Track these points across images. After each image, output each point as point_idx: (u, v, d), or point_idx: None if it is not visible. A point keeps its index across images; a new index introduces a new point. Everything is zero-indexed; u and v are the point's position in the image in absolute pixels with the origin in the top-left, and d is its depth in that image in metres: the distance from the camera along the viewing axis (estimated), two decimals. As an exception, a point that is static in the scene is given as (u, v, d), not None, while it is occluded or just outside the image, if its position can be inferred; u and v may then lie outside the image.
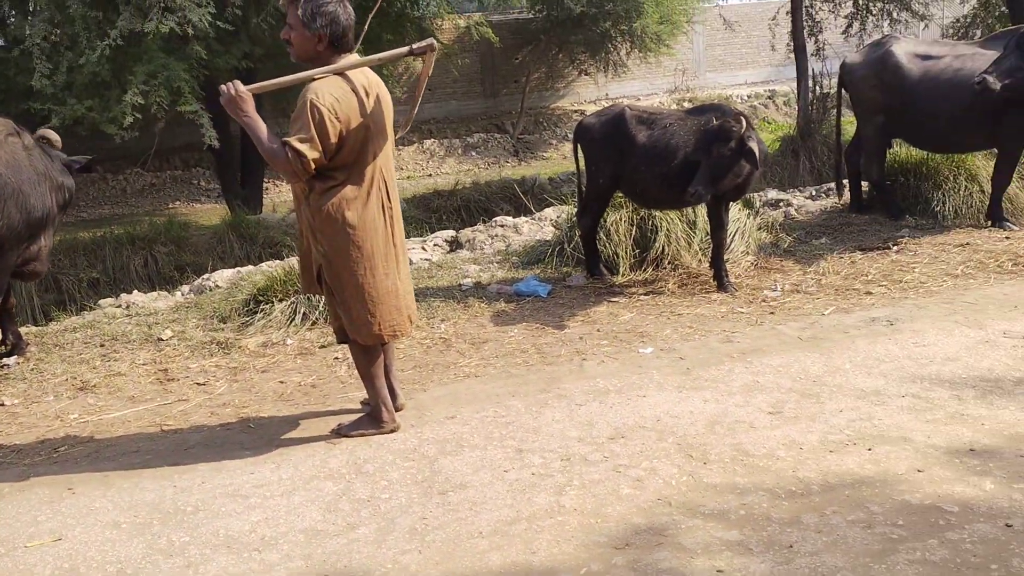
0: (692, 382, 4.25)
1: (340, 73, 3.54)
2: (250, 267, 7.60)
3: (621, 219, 6.43)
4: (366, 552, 3.02)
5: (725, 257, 5.88)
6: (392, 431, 3.95)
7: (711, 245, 5.93)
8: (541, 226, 7.87)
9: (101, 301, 7.35)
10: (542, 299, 5.94)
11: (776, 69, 25.64)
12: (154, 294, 7.37)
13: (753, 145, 5.08)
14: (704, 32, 23.97)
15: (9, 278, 5.39)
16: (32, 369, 5.37)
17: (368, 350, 3.85)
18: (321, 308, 5.79)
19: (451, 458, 3.67)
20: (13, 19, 9.13)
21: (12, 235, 5.14)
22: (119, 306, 6.97)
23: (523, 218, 8.12)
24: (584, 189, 6.16)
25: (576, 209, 6.41)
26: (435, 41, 3.58)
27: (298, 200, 3.76)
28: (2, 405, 4.84)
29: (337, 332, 3.93)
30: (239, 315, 5.95)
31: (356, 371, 4.83)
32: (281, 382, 4.88)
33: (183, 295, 7.21)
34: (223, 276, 7.37)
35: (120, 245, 9.84)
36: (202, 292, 7.12)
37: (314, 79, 3.51)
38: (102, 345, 5.74)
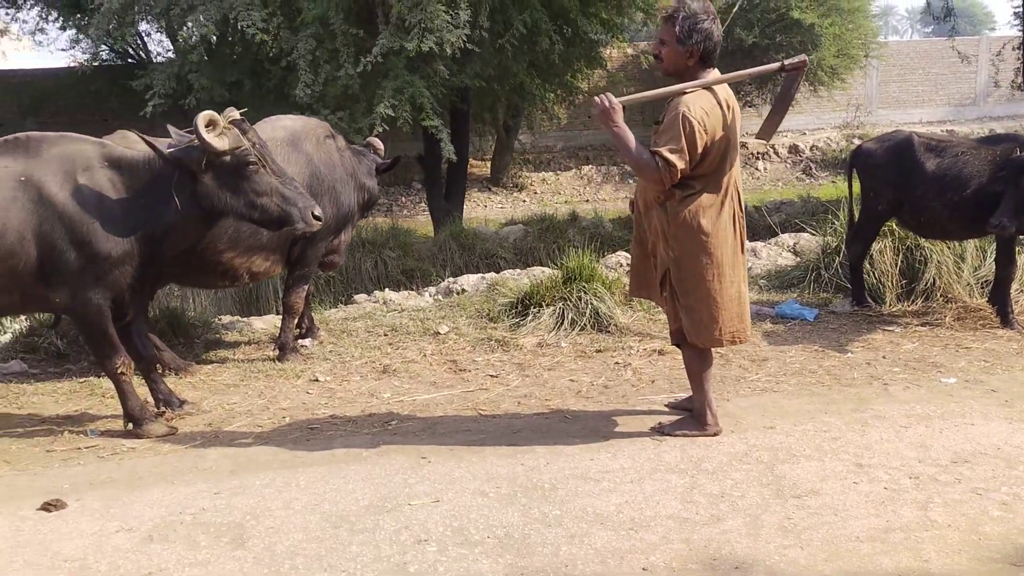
0: (1019, 415, 4.18)
1: (707, 87, 3.73)
2: (493, 274, 7.93)
3: (886, 248, 6.37)
4: (744, 544, 3.14)
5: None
6: (715, 434, 4.08)
7: (992, 279, 5.79)
8: (780, 251, 7.87)
9: (356, 296, 7.89)
10: (808, 323, 5.95)
11: (955, 109, 24.61)
12: (405, 293, 7.82)
13: (1069, 178, 4.96)
14: (880, 67, 23.31)
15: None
16: (331, 351, 5.82)
17: (704, 354, 4.00)
18: (588, 315, 6.03)
19: (789, 466, 3.76)
20: (276, 37, 9.91)
21: (324, 228, 5.59)
22: (375, 302, 7.46)
23: (759, 243, 8.13)
24: (857, 215, 6.14)
25: (845, 236, 6.38)
26: (807, 58, 3.72)
27: (647, 207, 3.95)
28: (317, 380, 5.29)
29: (673, 334, 4.10)
30: (507, 316, 6.25)
31: (646, 372, 5.05)
32: (572, 380, 5.10)
33: (431, 296, 7.62)
34: (468, 281, 7.73)
35: (352, 248, 10.46)
36: (449, 294, 7.50)
37: (685, 92, 3.71)
38: (385, 335, 6.16)
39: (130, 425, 4.47)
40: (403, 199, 21.66)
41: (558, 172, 23.83)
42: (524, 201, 21.84)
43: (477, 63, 10.62)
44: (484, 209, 20.91)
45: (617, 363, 5.36)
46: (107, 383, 5.21)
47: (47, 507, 3.58)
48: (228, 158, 4.07)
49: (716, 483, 3.62)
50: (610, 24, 12.36)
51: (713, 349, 4.07)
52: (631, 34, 18.76)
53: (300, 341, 5.97)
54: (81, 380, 5.41)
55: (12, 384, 5.41)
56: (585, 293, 6.14)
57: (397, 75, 9.71)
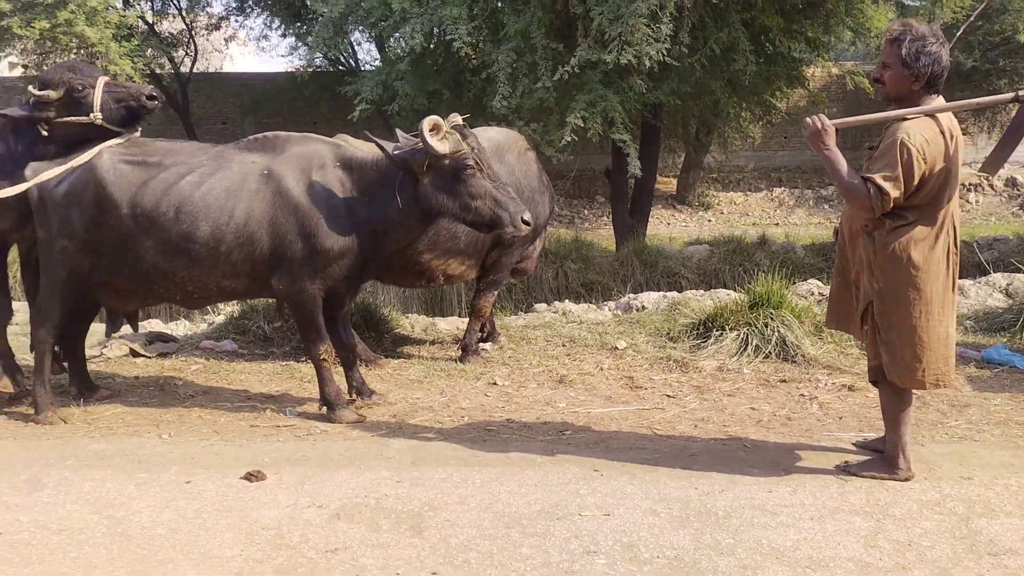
0: None
1: (930, 115, 3.53)
2: (675, 293, 7.84)
3: (1117, 296, 5.78)
4: (932, 597, 2.95)
5: None
6: (906, 479, 3.84)
7: None
8: (990, 291, 7.30)
9: (536, 306, 8.03)
10: (1018, 371, 5.49)
11: None
12: (584, 306, 7.87)
13: None
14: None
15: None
16: (510, 357, 5.96)
17: (903, 394, 3.78)
18: (774, 343, 5.83)
19: (986, 520, 3.48)
20: (478, 49, 10.29)
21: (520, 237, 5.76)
22: (555, 312, 7.55)
23: (968, 281, 7.57)
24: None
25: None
26: (1042, 88, 3.46)
27: (853, 236, 3.78)
28: (495, 384, 5.44)
29: (871, 371, 3.90)
30: (688, 337, 6.16)
31: (825, 409, 4.83)
32: (753, 408, 4.96)
33: (611, 310, 7.62)
34: (649, 298, 7.68)
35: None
36: (628, 310, 7.47)
37: (906, 119, 3.53)
38: (563, 345, 6.23)
39: (324, 409, 4.78)
40: (586, 212, 21.83)
41: (747, 193, 23.25)
42: (710, 221, 21.44)
43: (674, 79, 10.56)
44: (667, 227, 20.70)
45: (802, 395, 5.16)
46: (306, 368, 5.61)
47: (249, 477, 3.89)
48: (447, 161, 4.29)
49: (903, 530, 3.41)
50: (815, 43, 11.94)
51: (913, 391, 3.84)
52: (836, 53, 17.97)
53: (481, 345, 6.15)
54: (283, 363, 5.85)
55: (223, 361, 5.93)
56: (772, 320, 5.95)
57: (592, 88, 9.84)
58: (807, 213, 22.30)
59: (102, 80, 4.66)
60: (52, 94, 4.58)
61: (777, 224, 21.16)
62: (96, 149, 4.59)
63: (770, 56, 11.67)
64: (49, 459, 4.17)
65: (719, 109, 12.21)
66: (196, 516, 3.54)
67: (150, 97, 4.69)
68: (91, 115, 4.60)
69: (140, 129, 4.83)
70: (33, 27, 16.17)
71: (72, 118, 4.63)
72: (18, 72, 21.65)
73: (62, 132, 4.67)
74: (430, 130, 4.21)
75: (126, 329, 6.16)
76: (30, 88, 4.71)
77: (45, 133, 4.65)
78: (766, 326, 5.94)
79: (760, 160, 23.72)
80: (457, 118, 4.39)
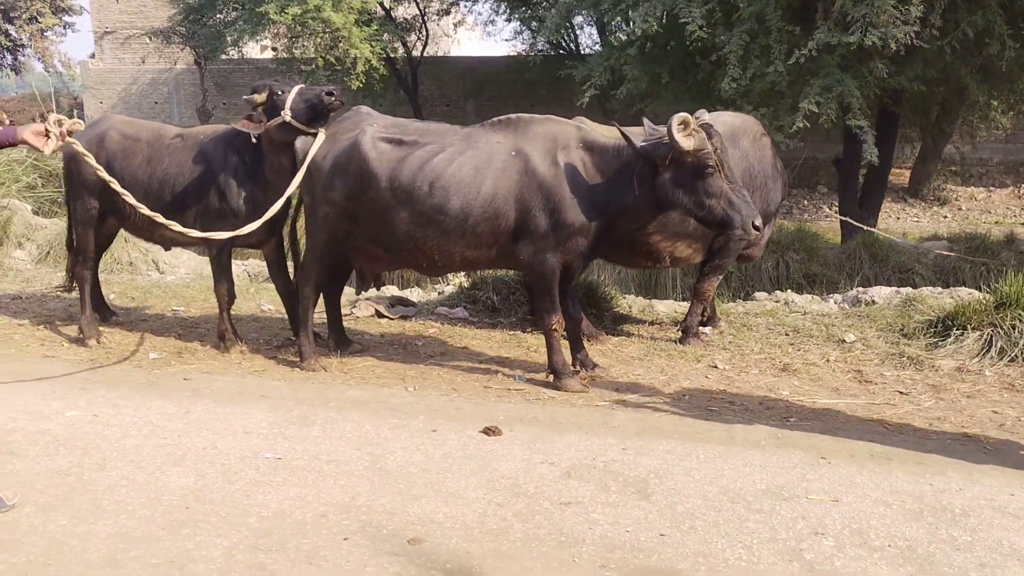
0: None
1: None
2: (910, 289, 7.46)
3: None
4: None
5: None
6: None
7: None
8: None
9: (756, 294, 7.92)
10: None
11: None
12: (808, 297, 7.66)
13: None
14: None
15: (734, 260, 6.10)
16: (730, 343, 5.97)
17: None
18: (1022, 346, 5.47)
19: None
20: (711, 32, 10.18)
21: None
22: (777, 301, 7.41)
23: None
24: None
25: None
26: None
27: None
28: (716, 367, 5.48)
29: None
30: (923, 335, 5.89)
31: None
32: (995, 412, 4.71)
33: (837, 303, 7.38)
34: (880, 293, 7.34)
35: (757, 247, 10.47)
36: (857, 304, 7.20)
37: None
38: (786, 334, 6.15)
39: (551, 377, 5.05)
40: (805, 202, 21.03)
41: (991, 188, 21.45)
42: (945, 217, 20.01)
43: (919, 64, 9.97)
44: (897, 221, 19.51)
45: (1059, 403, 4.83)
46: (532, 339, 5.93)
47: (487, 431, 4.22)
48: (690, 158, 4.41)
49: None
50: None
51: None
52: None
53: (701, 328, 6.19)
54: (511, 333, 6.20)
55: (456, 327, 6.37)
56: (1021, 322, 5.58)
57: (828, 72, 9.50)
58: (1059, 213, 20.28)
59: (297, 87, 5.21)
60: (258, 97, 5.21)
61: (1024, 224, 19.40)
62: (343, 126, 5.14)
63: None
64: (315, 400, 4.73)
65: (965, 96, 11.36)
66: (443, 460, 3.91)
67: (328, 93, 5.11)
68: (282, 113, 5.11)
69: (322, 130, 5.17)
70: (287, 13, 17.78)
71: (272, 121, 5.15)
72: (268, 55, 23.84)
73: (268, 138, 5.24)
74: (679, 125, 4.33)
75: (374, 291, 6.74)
76: (244, 97, 5.35)
77: (255, 140, 5.27)
78: (1013, 328, 5.58)
79: (1009, 153, 21.83)
80: (704, 116, 4.48)
